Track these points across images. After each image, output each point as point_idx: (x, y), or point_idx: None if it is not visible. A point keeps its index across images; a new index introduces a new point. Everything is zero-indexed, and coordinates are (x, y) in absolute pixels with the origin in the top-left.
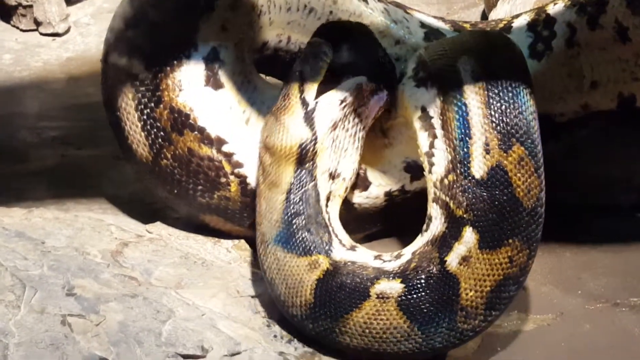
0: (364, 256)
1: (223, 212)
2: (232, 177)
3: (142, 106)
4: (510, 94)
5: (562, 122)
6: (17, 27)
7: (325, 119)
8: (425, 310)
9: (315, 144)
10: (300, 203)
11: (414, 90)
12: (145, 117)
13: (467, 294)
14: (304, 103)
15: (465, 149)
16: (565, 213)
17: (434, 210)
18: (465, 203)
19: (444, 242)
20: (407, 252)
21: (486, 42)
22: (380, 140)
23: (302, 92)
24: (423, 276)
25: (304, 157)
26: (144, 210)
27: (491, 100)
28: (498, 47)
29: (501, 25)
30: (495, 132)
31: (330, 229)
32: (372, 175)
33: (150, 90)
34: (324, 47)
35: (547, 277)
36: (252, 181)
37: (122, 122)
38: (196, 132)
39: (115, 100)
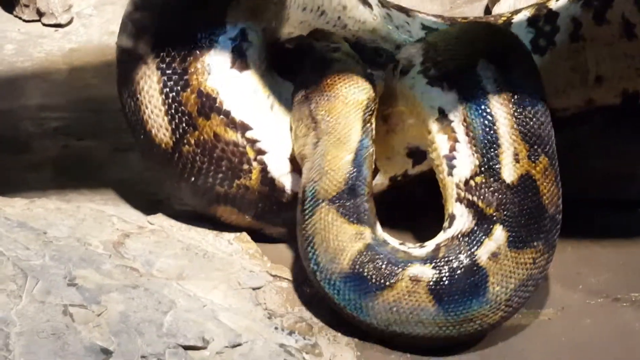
0: (393, 240)
1: (239, 202)
2: (254, 164)
3: (168, 89)
4: (532, 104)
5: (565, 117)
6: (20, 18)
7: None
8: (453, 297)
9: (375, 103)
10: (364, 168)
11: (426, 88)
12: (170, 100)
13: (493, 288)
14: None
15: (495, 156)
16: (567, 207)
17: (458, 209)
18: (495, 203)
19: (473, 237)
20: (431, 244)
21: (499, 42)
22: (382, 127)
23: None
24: (454, 265)
25: (369, 115)
26: (145, 201)
27: (517, 112)
28: (511, 47)
29: (501, 21)
30: (524, 142)
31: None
32: (379, 162)
33: (178, 73)
34: None
35: (548, 271)
36: (272, 170)
37: (142, 106)
38: (222, 116)
39: (134, 84)
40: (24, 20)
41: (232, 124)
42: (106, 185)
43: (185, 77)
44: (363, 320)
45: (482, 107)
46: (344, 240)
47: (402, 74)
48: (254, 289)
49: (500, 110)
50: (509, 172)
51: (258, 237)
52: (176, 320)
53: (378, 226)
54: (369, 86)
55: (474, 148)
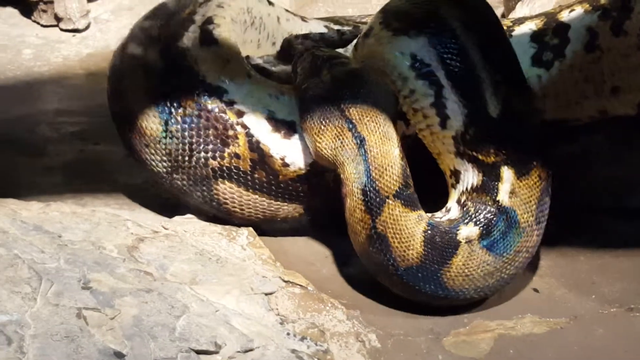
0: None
1: (235, 175)
2: (239, 128)
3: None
4: (499, 34)
5: (577, 126)
6: (38, 23)
7: None
8: (500, 242)
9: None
10: (404, 159)
11: (392, 39)
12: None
13: (523, 218)
14: None
15: (478, 95)
16: (580, 216)
17: (461, 164)
18: (493, 149)
19: (488, 187)
20: (452, 204)
21: None
22: None
23: None
24: (489, 216)
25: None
26: (160, 206)
27: (487, 44)
28: None
29: None
30: (498, 73)
31: None
32: None
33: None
34: None
35: (560, 280)
36: (255, 132)
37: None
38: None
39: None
40: (42, 26)
41: (209, 90)
42: (121, 189)
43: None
44: (443, 296)
45: (455, 46)
46: (411, 227)
47: (365, 37)
48: (266, 294)
49: (472, 45)
50: (493, 106)
51: (267, 233)
52: (189, 325)
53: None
54: (394, 96)
55: (460, 92)
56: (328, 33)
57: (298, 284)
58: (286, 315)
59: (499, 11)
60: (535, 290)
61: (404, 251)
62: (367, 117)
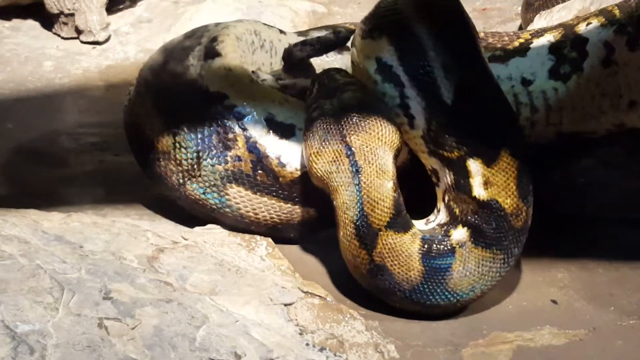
0: (420, 222)
1: (240, 178)
2: (238, 130)
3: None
4: (453, 25)
5: (595, 139)
6: (59, 35)
7: None
8: (495, 235)
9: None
10: (397, 189)
11: (361, 43)
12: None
13: (507, 203)
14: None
15: (431, 80)
16: (598, 228)
17: (436, 163)
18: (454, 142)
19: (461, 185)
20: (440, 205)
21: None
22: None
23: None
24: (472, 215)
25: (400, 146)
26: (180, 217)
27: (440, 33)
28: None
29: (518, 41)
30: (453, 59)
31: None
32: None
33: None
34: None
35: (579, 292)
36: (252, 132)
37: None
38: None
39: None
40: (63, 38)
41: (212, 97)
42: (141, 200)
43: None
44: (456, 302)
45: (410, 41)
46: (407, 249)
47: (352, 46)
48: (285, 305)
49: (427, 37)
50: (447, 91)
51: (290, 241)
52: (209, 335)
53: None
54: (397, 129)
55: (417, 85)
56: (324, 35)
57: (317, 295)
58: (305, 326)
59: (516, 24)
60: (554, 301)
61: (406, 274)
62: (367, 147)
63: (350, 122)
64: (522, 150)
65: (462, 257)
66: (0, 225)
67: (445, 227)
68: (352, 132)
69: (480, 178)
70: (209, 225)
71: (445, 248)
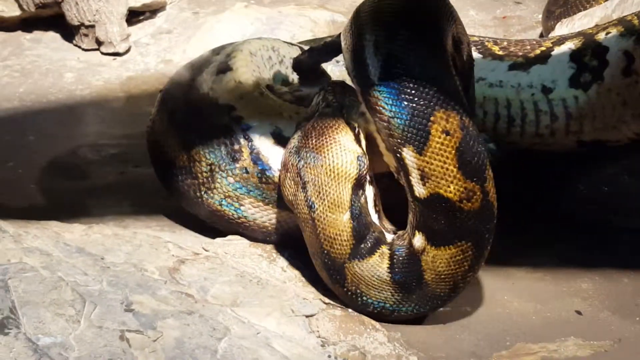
0: (390, 227)
1: (250, 189)
2: (242, 141)
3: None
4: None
5: (617, 147)
6: (79, 47)
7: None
8: (451, 230)
9: (365, 157)
10: (361, 214)
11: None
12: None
13: (451, 192)
14: (349, 123)
15: (363, 65)
16: (624, 238)
17: (392, 161)
18: (384, 131)
19: (408, 186)
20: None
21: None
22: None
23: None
24: (421, 217)
25: (362, 172)
26: (200, 228)
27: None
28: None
29: (539, 49)
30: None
31: (378, 222)
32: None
33: None
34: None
35: (604, 303)
36: (256, 143)
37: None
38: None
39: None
40: (83, 49)
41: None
42: (162, 211)
43: None
44: (443, 303)
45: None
46: (376, 271)
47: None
48: (307, 316)
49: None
50: (374, 68)
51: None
52: (230, 347)
53: (386, 234)
54: (356, 156)
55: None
56: (330, 40)
57: (339, 306)
58: (327, 338)
59: (537, 32)
60: (578, 312)
61: (384, 295)
62: (318, 181)
63: (307, 154)
64: (465, 118)
65: (429, 264)
66: (22, 238)
67: (409, 236)
68: (306, 166)
69: (416, 172)
70: (230, 237)
71: (411, 260)
